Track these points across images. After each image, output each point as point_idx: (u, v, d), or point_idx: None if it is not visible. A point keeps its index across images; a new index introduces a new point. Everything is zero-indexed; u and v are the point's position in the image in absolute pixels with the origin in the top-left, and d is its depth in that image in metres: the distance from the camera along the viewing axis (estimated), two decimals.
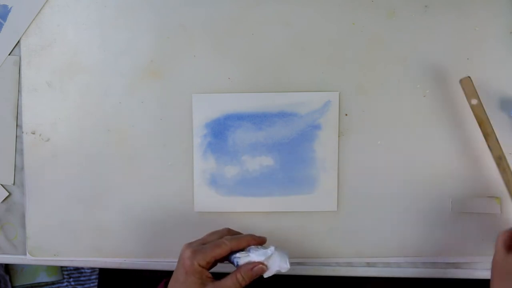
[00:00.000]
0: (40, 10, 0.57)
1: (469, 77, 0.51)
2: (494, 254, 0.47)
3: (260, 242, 0.48)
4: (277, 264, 0.46)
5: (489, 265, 0.57)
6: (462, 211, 0.56)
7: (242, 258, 0.45)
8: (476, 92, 0.51)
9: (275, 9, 0.56)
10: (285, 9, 0.56)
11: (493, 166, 0.56)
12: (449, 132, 0.56)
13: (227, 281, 0.44)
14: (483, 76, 0.55)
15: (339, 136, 0.56)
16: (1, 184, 0.60)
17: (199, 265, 0.44)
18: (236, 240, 0.46)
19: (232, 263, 0.46)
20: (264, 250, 0.46)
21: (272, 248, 0.46)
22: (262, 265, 0.45)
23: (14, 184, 0.60)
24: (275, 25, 0.56)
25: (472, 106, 0.51)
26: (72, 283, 1.10)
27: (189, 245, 0.46)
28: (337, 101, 0.56)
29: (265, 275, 0.46)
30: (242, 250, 0.46)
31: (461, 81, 0.51)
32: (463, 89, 0.51)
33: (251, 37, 0.56)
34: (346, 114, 0.56)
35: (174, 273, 0.47)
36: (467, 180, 0.56)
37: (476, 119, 0.52)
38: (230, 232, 0.49)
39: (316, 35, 0.56)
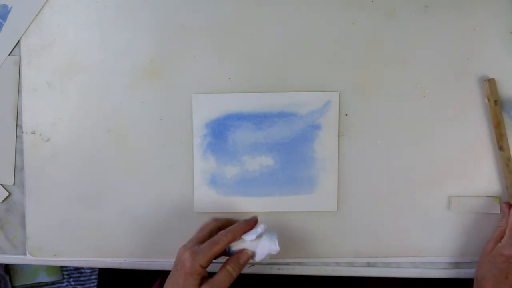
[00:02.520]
0: (40, 10, 0.57)
1: (494, 79, 0.53)
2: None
3: (252, 225, 0.49)
4: (267, 247, 0.47)
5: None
6: (462, 211, 0.56)
7: (235, 245, 0.47)
8: (498, 94, 0.53)
9: (275, 9, 0.56)
10: (285, 9, 0.56)
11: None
12: (449, 132, 0.56)
13: (219, 275, 0.46)
14: (483, 76, 0.55)
15: (339, 136, 0.56)
16: (1, 184, 0.60)
17: (200, 266, 0.45)
18: (232, 233, 0.47)
19: (227, 252, 0.47)
20: (254, 229, 0.47)
21: (261, 226, 0.47)
22: (247, 251, 0.47)
23: (14, 184, 0.60)
24: (275, 25, 0.56)
25: (492, 107, 0.53)
26: (72, 283, 1.10)
27: (185, 247, 0.46)
28: (337, 101, 0.56)
29: (258, 259, 0.47)
30: None
31: (488, 81, 0.53)
32: (488, 89, 0.52)
33: (251, 37, 0.56)
34: (346, 114, 0.56)
35: (171, 275, 0.47)
36: (467, 180, 0.56)
37: (493, 120, 0.54)
38: (218, 222, 0.50)
39: (316, 35, 0.56)
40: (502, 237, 0.52)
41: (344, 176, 0.56)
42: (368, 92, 0.56)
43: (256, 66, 0.56)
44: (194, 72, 0.57)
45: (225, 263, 0.47)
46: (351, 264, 0.58)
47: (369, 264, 0.58)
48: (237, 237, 0.47)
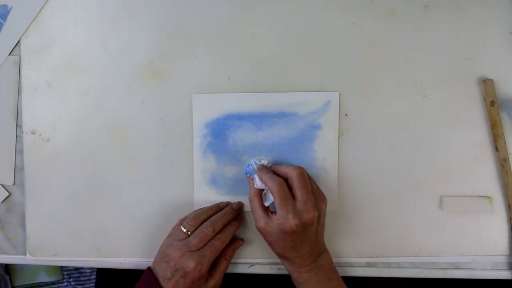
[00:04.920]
0: (40, 10, 0.57)
1: (491, 79, 0.53)
2: (257, 221, 0.50)
3: (237, 212, 0.55)
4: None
5: (488, 265, 0.57)
6: (455, 211, 0.56)
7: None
8: (495, 95, 0.53)
9: (275, 9, 0.56)
10: (285, 9, 0.56)
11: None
12: (450, 132, 0.56)
13: (221, 266, 0.53)
14: (483, 76, 0.55)
15: (339, 136, 0.56)
16: (1, 184, 0.60)
17: (206, 272, 0.50)
18: (229, 234, 0.53)
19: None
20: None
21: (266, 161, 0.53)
22: (242, 243, 0.56)
23: (14, 184, 0.60)
24: (275, 25, 0.56)
25: (488, 108, 0.53)
26: (72, 283, 1.10)
27: (181, 251, 0.50)
28: (337, 101, 0.56)
29: (266, 204, 0.52)
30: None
31: (484, 82, 0.53)
32: (484, 89, 0.53)
33: (251, 37, 0.56)
34: (346, 114, 0.56)
35: (174, 282, 0.49)
36: (466, 180, 0.56)
37: (490, 121, 0.54)
38: (198, 218, 0.53)
39: (316, 35, 0.56)
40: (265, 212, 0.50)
41: (344, 176, 0.56)
42: (368, 92, 0.56)
43: (256, 66, 0.56)
44: (194, 72, 0.57)
45: (224, 254, 0.53)
46: (351, 264, 0.58)
47: (369, 264, 0.58)
48: (231, 236, 0.53)
